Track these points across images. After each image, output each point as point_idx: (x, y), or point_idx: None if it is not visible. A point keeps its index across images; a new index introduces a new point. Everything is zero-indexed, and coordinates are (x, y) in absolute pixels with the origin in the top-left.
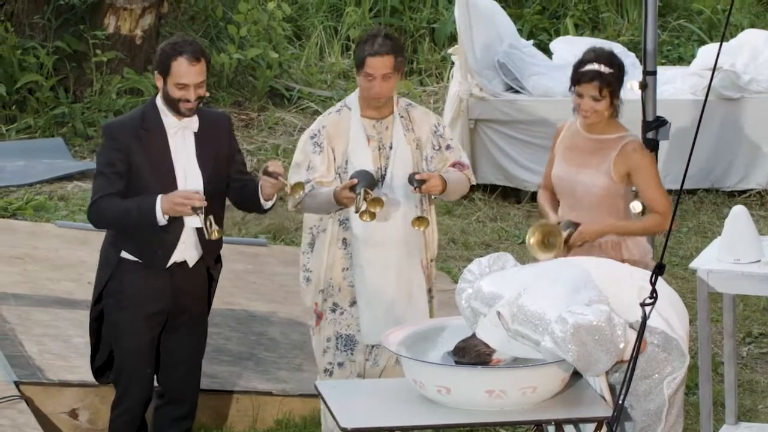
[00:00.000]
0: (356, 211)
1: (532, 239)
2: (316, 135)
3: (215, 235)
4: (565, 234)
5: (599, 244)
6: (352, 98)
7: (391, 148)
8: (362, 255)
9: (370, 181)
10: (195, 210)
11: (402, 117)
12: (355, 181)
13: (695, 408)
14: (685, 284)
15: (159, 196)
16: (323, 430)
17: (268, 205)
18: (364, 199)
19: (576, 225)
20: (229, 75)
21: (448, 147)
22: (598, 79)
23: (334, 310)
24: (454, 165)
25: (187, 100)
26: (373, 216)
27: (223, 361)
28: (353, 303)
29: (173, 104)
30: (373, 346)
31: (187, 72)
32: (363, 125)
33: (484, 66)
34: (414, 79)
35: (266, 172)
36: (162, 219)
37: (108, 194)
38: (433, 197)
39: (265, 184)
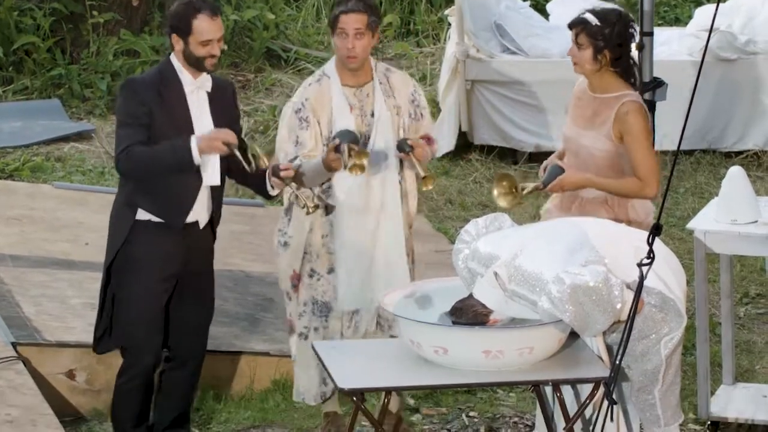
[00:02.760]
0: (345, 167)
1: (498, 196)
2: (300, 109)
3: (262, 163)
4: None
5: (606, 200)
6: (330, 66)
7: (372, 115)
8: (345, 221)
9: (353, 138)
10: (229, 146)
11: (381, 83)
12: (338, 141)
13: (692, 368)
14: (682, 245)
15: (193, 136)
16: (294, 393)
17: (274, 192)
18: (350, 154)
19: (562, 170)
20: (226, 36)
21: (421, 115)
22: (579, 26)
23: (311, 276)
24: (423, 137)
25: (213, 56)
26: (362, 168)
27: (220, 321)
28: (331, 270)
29: (197, 62)
30: (352, 312)
31: (209, 28)
32: (344, 94)
33: (481, 27)
34: (411, 41)
35: (276, 175)
36: (198, 158)
37: (136, 142)
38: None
39: (273, 183)
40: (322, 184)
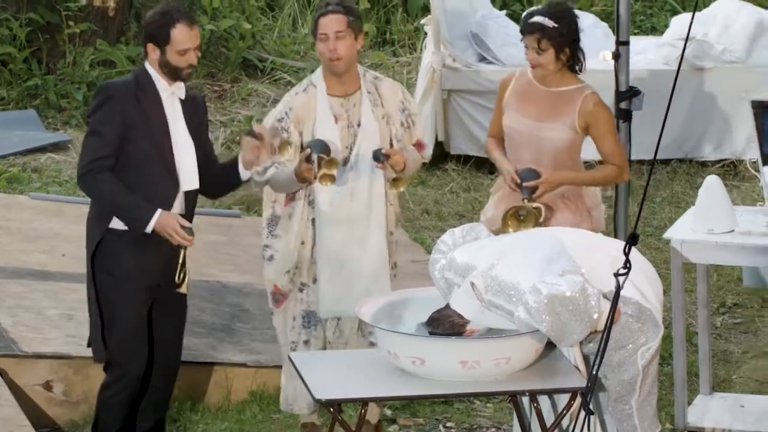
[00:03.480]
0: (315, 178)
1: (510, 228)
2: (282, 118)
3: (183, 287)
4: (526, 199)
5: (563, 194)
6: (318, 75)
7: (359, 125)
8: (326, 232)
9: (324, 148)
10: (179, 245)
11: (369, 93)
12: (309, 151)
13: (669, 378)
14: (658, 254)
15: (159, 211)
16: (281, 402)
17: (246, 175)
18: (319, 164)
19: (536, 173)
20: (201, 46)
21: (413, 123)
22: (539, 32)
23: (301, 290)
24: (414, 144)
25: (191, 65)
26: (332, 179)
27: (197, 332)
28: (315, 279)
29: (174, 72)
30: (337, 319)
31: (188, 37)
32: (330, 104)
33: (457, 36)
34: (387, 50)
35: (250, 133)
36: (150, 230)
37: (104, 161)
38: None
39: (247, 146)
40: (309, 196)
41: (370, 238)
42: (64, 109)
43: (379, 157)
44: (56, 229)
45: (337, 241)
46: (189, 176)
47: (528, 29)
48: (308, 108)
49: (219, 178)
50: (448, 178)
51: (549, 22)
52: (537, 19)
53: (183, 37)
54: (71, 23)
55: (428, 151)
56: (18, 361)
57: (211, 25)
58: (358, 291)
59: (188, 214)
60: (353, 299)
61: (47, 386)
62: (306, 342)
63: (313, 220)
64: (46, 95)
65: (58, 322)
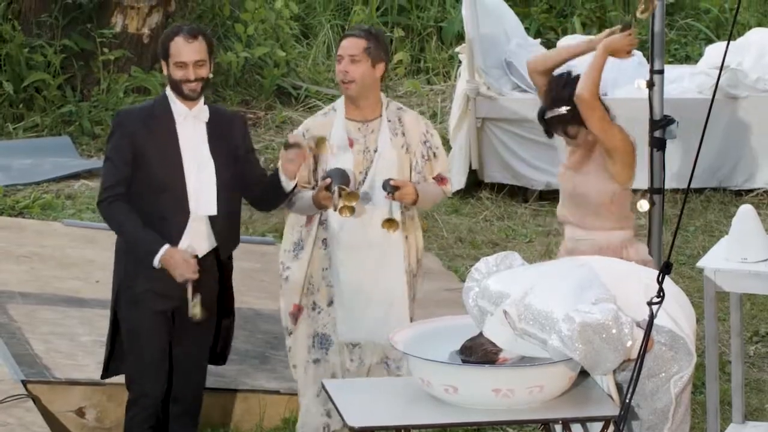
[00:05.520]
0: (334, 209)
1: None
2: None
3: (196, 314)
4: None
5: (600, 250)
6: (340, 101)
7: (375, 151)
8: (338, 256)
9: (344, 178)
10: (186, 280)
11: (390, 121)
12: (329, 180)
13: (702, 407)
14: (692, 283)
15: (165, 246)
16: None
17: (290, 185)
18: (339, 195)
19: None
20: (236, 74)
21: (434, 155)
22: (559, 125)
23: (313, 308)
24: (435, 178)
25: (188, 80)
26: (351, 210)
27: (230, 359)
28: (331, 302)
29: (176, 87)
30: (355, 345)
31: (183, 49)
32: (347, 128)
33: (492, 65)
34: (421, 78)
35: (288, 145)
36: (156, 264)
37: (116, 188)
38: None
39: (288, 157)
40: (321, 216)
41: (386, 265)
42: (98, 136)
43: (386, 187)
44: (90, 255)
45: (350, 265)
46: (205, 202)
47: (550, 124)
48: (324, 130)
49: (265, 194)
50: (482, 206)
51: (562, 109)
52: (550, 115)
53: (178, 50)
54: (105, 50)
55: (450, 187)
56: (51, 388)
57: (246, 52)
58: (374, 318)
59: (221, 239)
60: (369, 326)
61: (80, 413)
62: (316, 361)
63: (324, 240)
64: (80, 122)
65: (92, 349)
